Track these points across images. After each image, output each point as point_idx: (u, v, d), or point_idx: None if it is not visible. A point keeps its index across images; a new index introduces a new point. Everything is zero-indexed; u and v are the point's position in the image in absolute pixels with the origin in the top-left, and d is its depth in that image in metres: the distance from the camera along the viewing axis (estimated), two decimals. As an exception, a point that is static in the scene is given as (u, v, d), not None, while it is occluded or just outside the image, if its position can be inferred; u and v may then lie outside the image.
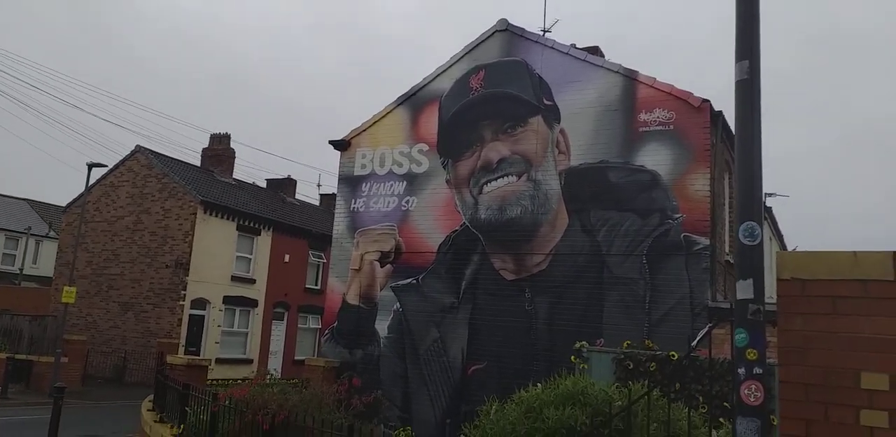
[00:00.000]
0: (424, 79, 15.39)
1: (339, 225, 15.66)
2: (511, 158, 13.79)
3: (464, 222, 14.05)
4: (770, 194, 20.93)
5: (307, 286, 28.01)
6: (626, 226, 12.58)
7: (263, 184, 32.73)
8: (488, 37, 14.94)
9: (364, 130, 15.92)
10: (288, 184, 33.15)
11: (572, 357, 9.44)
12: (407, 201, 14.90)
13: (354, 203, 15.56)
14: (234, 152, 30.23)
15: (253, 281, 25.29)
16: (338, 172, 16.11)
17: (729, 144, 14.38)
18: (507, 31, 14.78)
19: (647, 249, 12.32)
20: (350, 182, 15.77)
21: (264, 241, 26.17)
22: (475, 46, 14.99)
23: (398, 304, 14.33)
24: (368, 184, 15.48)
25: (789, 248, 28.84)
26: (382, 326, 14.40)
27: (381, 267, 14.76)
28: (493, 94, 14.31)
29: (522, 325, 12.95)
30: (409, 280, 14.34)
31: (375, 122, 15.81)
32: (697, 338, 4.59)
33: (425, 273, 14.20)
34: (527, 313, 12.98)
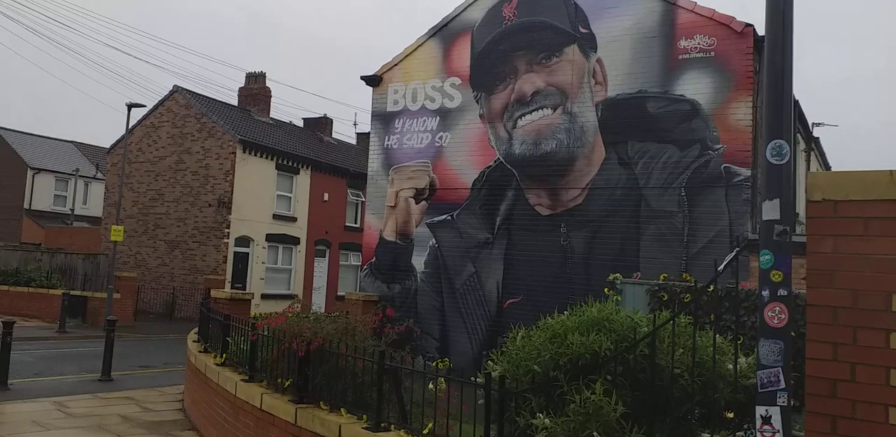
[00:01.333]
0: (456, 9, 14.90)
1: (374, 162, 15.62)
2: (546, 91, 13.41)
3: (498, 158, 13.86)
4: (818, 124, 20.10)
5: (347, 224, 28.34)
6: (664, 158, 12.25)
7: (300, 123, 32.73)
8: (522, -37, 14.27)
9: (395, 65, 15.61)
10: (325, 123, 33.10)
11: (605, 289, 9.40)
12: (440, 137, 14.73)
13: (388, 140, 15.45)
14: (271, 91, 30.17)
15: (294, 219, 25.68)
16: (370, 108, 15.93)
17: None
18: (541, -43, 14.08)
19: (686, 181, 12.02)
20: (383, 119, 15.61)
21: (303, 180, 26.38)
22: (508, -27, 14.36)
23: (434, 240, 14.40)
24: (401, 120, 15.31)
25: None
26: (419, 261, 14.53)
27: (417, 204, 14.77)
28: (526, 23, 13.80)
29: (558, 260, 12.92)
30: (443, 216, 14.35)
31: (407, 56, 15.47)
32: (724, 263, 4.46)
33: (460, 209, 14.17)
34: (562, 247, 12.92)
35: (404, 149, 15.16)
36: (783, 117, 2.98)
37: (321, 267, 26.87)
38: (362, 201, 29.04)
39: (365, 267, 15.35)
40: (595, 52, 13.17)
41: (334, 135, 33.57)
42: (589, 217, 12.79)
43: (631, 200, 12.46)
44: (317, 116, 33.34)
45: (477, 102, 14.30)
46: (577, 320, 4.58)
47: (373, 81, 15.82)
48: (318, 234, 26.54)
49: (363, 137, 35.49)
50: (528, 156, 13.46)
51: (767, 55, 3.05)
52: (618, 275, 9.33)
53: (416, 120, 15.09)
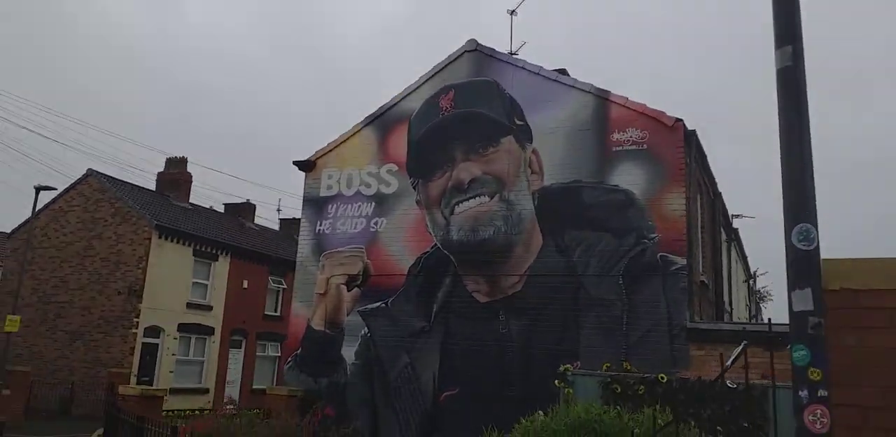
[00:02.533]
0: (393, 99, 15.08)
1: (304, 248, 15.07)
2: (483, 179, 13.49)
3: (435, 244, 13.64)
4: (736, 216, 21.08)
5: (266, 313, 27.09)
6: (601, 246, 12.34)
7: (222, 208, 31.84)
8: (458, 57, 14.75)
9: (330, 151, 15.48)
10: (247, 208, 32.34)
11: (556, 382, 9.03)
12: (376, 223, 14.44)
13: (320, 225, 15.02)
14: (191, 176, 29.37)
15: (210, 308, 24.33)
16: (302, 193, 15.57)
17: (701, 164, 14.38)
18: (476, 52, 14.61)
19: (624, 269, 12.08)
20: (315, 204, 15.24)
21: (222, 266, 25.28)
22: (444, 67, 14.78)
23: (366, 329, 13.76)
24: (335, 205, 14.99)
25: (751, 271, 29.14)
26: (349, 352, 13.78)
27: (349, 291, 14.19)
28: (463, 114, 14.05)
29: (496, 349, 12.52)
30: (377, 304, 13.81)
31: (342, 142, 15.39)
32: (732, 357, 4.24)
33: (395, 296, 13.69)
34: (501, 336, 12.56)
35: (337, 234, 14.74)
36: (807, 199, 2.84)
37: (236, 359, 25.29)
38: (283, 289, 28.06)
39: (289, 359, 14.43)
40: (531, 142, 13.46)
41: (258, 220, 32.78)
42: (528, 304, 12.57)
43: (570, 288, 12.37)
44: (239, 201, 32.59)
45: (414, 188, 14.21)
46: (561, 422, 4.18)
47: (306, 165, 15.58)
48: (234, 323, 25.17)
49: (287, 223, 34.85)
50: (465, 242, 13.30)
51: (783, 136, 2.97)
52: (568, 366, 9.03)
53: (350, 205, 14.81)
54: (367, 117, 15.24)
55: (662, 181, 12.36)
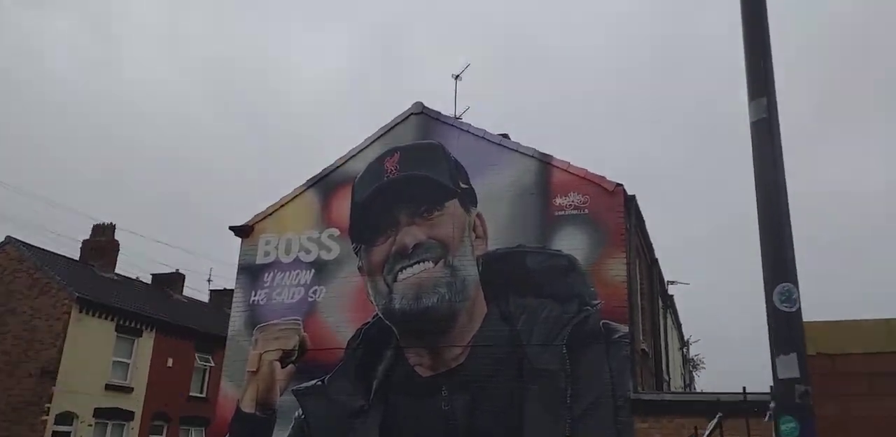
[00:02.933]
0: (337, 160, 15.19)
1: (237, 321, 14.59)
2: (427, 243, 13.44)
3: (376, 313, 13.40)
4: (672, 282, 21.35)
5: (191, 394, 25.86)
6: (545, 313, 12.34)
7: (149, 279, 30.71)
8: (403, 120, 15.05)
9: (269, 215, 15.35)
10: (176, 279, 31.37)
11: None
12: (315, 291, 14.12)
13: (255, 295, 14.61)
14: (118, 244, 28.45)
15: (130, 390, 23.06)
16: (237, 261, 15.12)
17: (640, 229, 14.60)
18: (422, 115, 14.95)
19: (567, 337, 12.03)
20: (251, 272, 14.87)
21: (146, 343, 24.17)
22: (390, 129, 15.04)
23: (300, 410, 13.22)
24: (272, 273, 14.64)
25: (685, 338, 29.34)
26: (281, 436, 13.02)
27: (283, 368, 13.71)
28: (408, 177, 14.14)
29: (439, 427, 12.22)
30: (313, 382, 13.33)
31: (282, 206, 15.32)
32: (708, 430, 4.04)
33: (332, 373, 13.29)
34: (444, 413, 12.18)
35: (272, 305, 14.34)
36: (786, 259, 2.76)
37: (158, 447, 23.72)
38: (211, 367, 26.88)
39: (216, 444, 13.56)
40: (475, 206, 13.55)
41: (187, 291, 31.73)
42: (471, 378, 12.43)
43: (514, 359, 12.29)
44: (168, 271, 31.54)
45: (356, 254, 14.05)
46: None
47: (242, 231, 15.32)
48: (156, 406, 23.85)
49: (217, 295, 33.87)
50: (408, 311, 13.09)
51: (760, 192, 2.95)
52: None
53: (288, 273, 14.49)
54: (309, 179, 15.20)
55: (604, 246, 12.56)
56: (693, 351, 31.31)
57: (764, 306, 2.77)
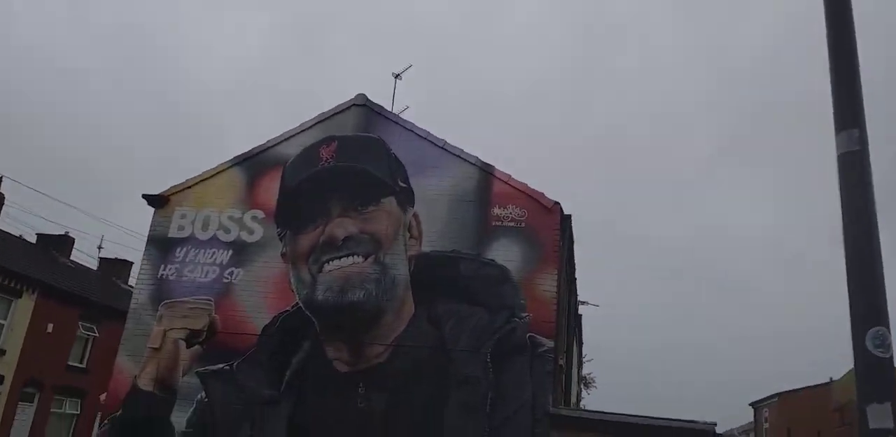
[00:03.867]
0: (268, 141, 14.26)
1: (141, 294, 13.44)
2: (359, 237, 12.88)
3: (297, 303, 12.69)
4: (583, 302, 21.81)
5: (70, 363, 23.90)
6: (474, 321, 12.07)
7: (34, 239, 28.31)
8: (344, 109, 14.34)
9: (188, 188, 14.20)
10: (64, 242, 28.97)
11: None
12: (231, 273, 13.25)
13: (164, 269, 13.51)
14: (3, 198, 26.00)
15: (2, 352, 21.03)
16: (148, 231, 14.05)
17: (569, 248, 14.72)
18: (364, 107, 14.30)
19: (493, 346, 11.83)
20: (162, 244, 13.76)
21: (25, 305, 22.15)
22: (329, 117, 14.29)
23: (203, 393, 12.31)
24: (185, 249, 13.62)
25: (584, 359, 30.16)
26: (180, 418, 12.21)
27: (188, 348, 12.72)
28: (344, 167, 13.51)
29: (354, 424, 11.63)
30: (220, 366, 12.45)
31: (203, 180, 14.19)
32: None
33: (242, 359, 12.44)
34: (359, 411, 11.70)
35: (183, 282, 13.33)
36: (880, 297, 2.61)
37: (25, 415, 21.86)
38: (95, 337, 25.09)
39: (105, 422, 12.54)
40: (412, 206, 13.15)
41: (75, 256, 29.43)
42: (392, 377, 11.90)
43: (438, 363, 11.90)
44: (55, 233, 29.14)
45: (280, 239, 13.29)
46: None
47: (157, 200, 14.14)
48: (29, 372, 21.90)
49: (108, 263, 31.65)
50: (331, 304, 12.48)
51: (847, 225, 2.74)
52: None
53: (203, 251, 13.52)
54: (235, 157, 14.25)
55: (537, 261, 12.46)
56: (586, 370, 32.06)
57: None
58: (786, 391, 27.93)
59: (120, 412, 12.47)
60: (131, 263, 32.50)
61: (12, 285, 21.69)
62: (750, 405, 32.24)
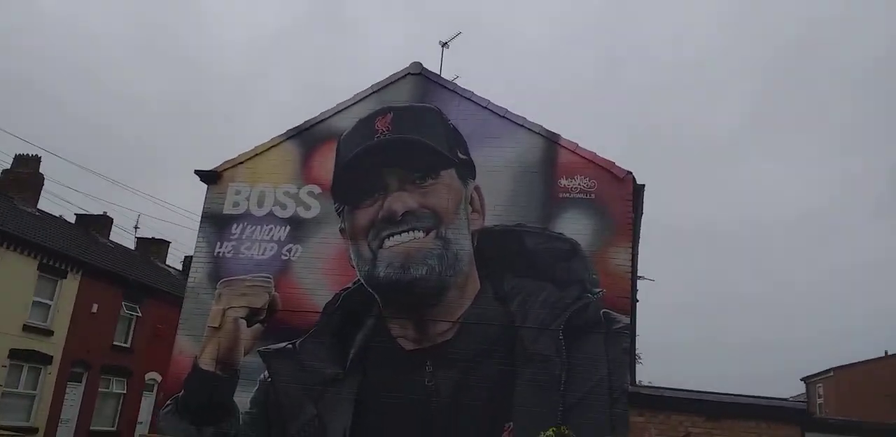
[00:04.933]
0: (322, 114, 13.72)
1: (198, 272, 13.07)
2: (419, 212, 12.36)
3: (358, 279, 12.23)
4: (640, 277, 21.07)
5: (115, 343, 23.80)
6: (542, 296, 11.53)
7: (72, 219, 28.16)
8: (399, 79, 13.74)
9: (241, 163, 13.75)
10: (102, 222, 28.81)
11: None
12: (289, 250, 12.81)
13: (220, 247, 13.12)
14: (44, 179, 25.83)
15: (50, 333, 20.91)
16: (202, 207, 13.64)
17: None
18: (420, 76, 13.69)
19: (565, 323, 11.30)
20: (217, 221, 13.36)
21: (70, 285, 21.97)
22: (384, 87, 13.70)
23: (267, 372, 11.96)
24: (241, 225, 13.20)
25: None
26: (244, 398, 11.89)
27: (249, 327, 12.36)
28: (402, 139, 12.94)
29: (420, 403, 11.22)
30: (283, 344, 12.08)
31: (257, 154, 13.73)
32: None
33: (305, 337, 12.05)
34: (427, 389, 11.27)
35: (241, 259, 12.93)
36: None
37: (74, 394, 21.82)
38: (138, 317, 24.98)
39: (168, 403, 12.24)
40: (473, 179, 12.58)
41: (112, 239, 29.23)
42: (459, 355, 11.45)
43: (506, 340, 11.41)
44: (94, 213, 28.98)
45: (339, 214, 12.80)
46: None
47: (210, 177, 13.71)
48: (77, 353, 21.81)
49: (144, 243, 31.51)
50: (394, 280, 12.01)
51: None
52: (550, 433, 7.87)
53: (260, 227, 13.09)
54: (289, 130, 13.74)
55: (609, 234, 11.86)
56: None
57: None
58: (841, 366, 27.22)
59: (182, 392, 12.16)
60: (168, 242, 32.55)
61: (57, 265, 21.49)
62: (802, 379, 31.59)
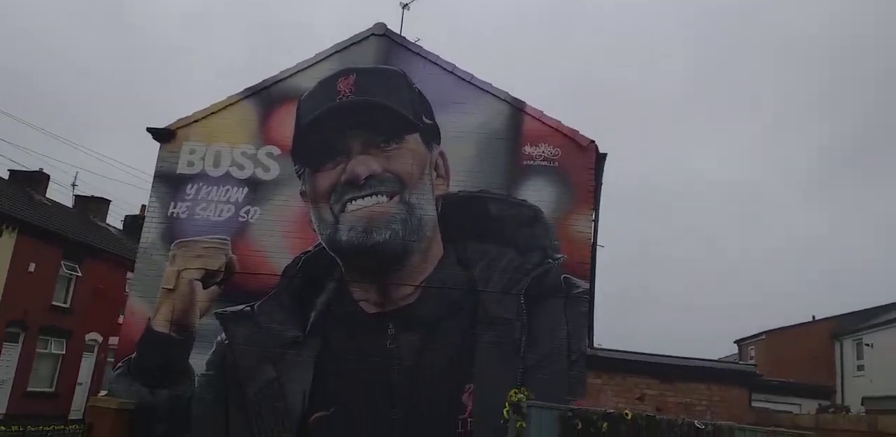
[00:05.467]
0: (281, 72, 13.29)
1: (151, 232, 12.64)
2: (382, 176, 12.19)
3: (319, 243, 12.05)
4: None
5: (54, 303, 22.96)
6: (504, 262, 11.62)
7: (6, 175, 26.74)
8: (363, 39, 13.39)
9: (196, 122, 13.25)
10: (39, 179, 27.43)
11: (504, 412, 8.01)
12: (247, 212, 12.49)
13: (174, 207, 12.70)
14: (-26, 133, 24.36)
15: (-16, 293, 20.01)
16: (155, 166, 13.11)
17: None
18: (384, 37, 13.36)
19: (526, 288, 11.45)
20: (170, 181, 12.89)
21: (6, 244, 20.95)
22: (346, 48, 13.33)
23: (223, 335, 11.77)
24: (196, 186, 12.78)
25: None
26: (199, 361, 11.68)
27: (205, 288, 12.09)
28: (365, 102, 12.67)
29: (382, 366, 11.25)
30: (241, 307, 11.88)
31: (212, 113, 13.25)
32: None
33: (264, 300, 11.87)
34: (388, 352, 11.30)
35: (196, 220, 12.54)
36: None
37: (10, 355, 21.01)
38: (77, 276, 24.13)
39: (120, 364, 11.93)
40: (438, 144, 12.47)
41: (48, 196, 27.93)
42: (422, 319, 11.51)
43: (468, 304, 11.51)
44: (29, 169, 27.57)
45: (299, 176, 12.52)
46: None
47: (163, 135, 13.17)
48: (13, 313, 20.93)
49: (82, 201, 30.24)
50: (356, 244, 11.88)
51: None
52: (521, 395, 8.01)
53: (216, 188, 12.70)
54: (246, 89, 13.29)
55: (571, 202, 12.00)
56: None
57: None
58: (772, 330, 28.57)
59: (135, 354, 11.84)
60: (109, 200, 31.33)
61: (-9, 223, 20.43)
62: (735, 342, 33.04)
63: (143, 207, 33.49)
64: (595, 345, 13.31)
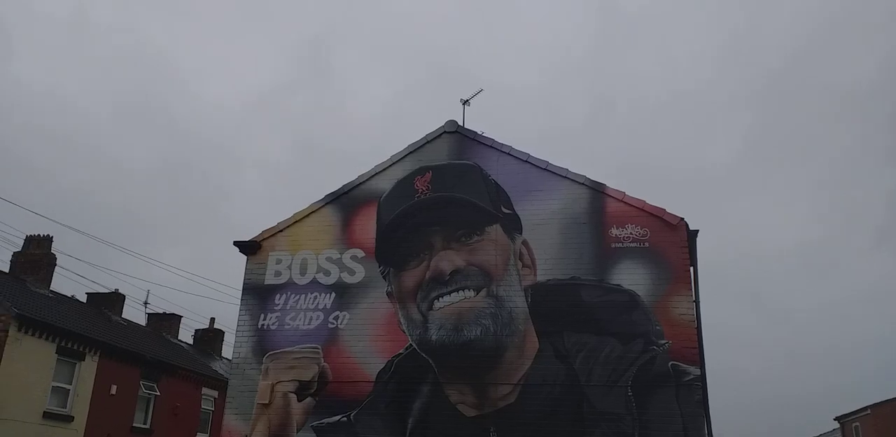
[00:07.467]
0: (359, 177, 14.34)
1: (242, 347, 13.40)
2: (467, 270, 12.77)
3: (410, 344, 12.55)
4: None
5: (135, 425, 23.84)
6: (606, 352, 11.80)
7: (83, 298, 28.59)
8: (435, 138, 14.42)
9: (280, 232, 14.29)
10: (115, 300, 29.25)
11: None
12: (336, 317, 13.17)
13: (264, 319, 13.50)
14: (56, 259, 26.38)
15: (70, 419, 21.03)
16: (243, 279, 14.07)
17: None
18: (456, 133, 14.37)
19: (633, 379, 11.53)
20: (259, 293, 13.78)
21: (88, 367, 22.21)
22: (420, 147, 14.37)
23: (322, 447, 12.11)
24: (284, 295, 13.61)
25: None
26: (300, 476, 12.01)
27: (299, 401, 12.60)
28: (443, 198, 13.51)
29: (489, 472, 11.31)
30: (337, 418, 12.30)
31: (296, 222, 14.28)
32: None
33: (359, 409, 12.28)
34: (494, 456, 11.40)
35: (286, 331, 13.28)
36: None
37: (96, 485, 21.72)
38: (156, 396, 25.08)
39: (221, 485, 12.35)
40: (520, 233, 13.05)
41: (124, 315, 29.60)
42: (524, 419, 11.65)
43: (572, 400, 11.62)
44: (105, 291, 29.45)
45: (384, 277, 13.22)
46: None
47: (249, 247, 14.22)
48: (97, 439, 21.83)
49: (155, 318, 31.86)
50: (447, 343, 12.32)
51: None
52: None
53: (304, 296, 13.50)
54: (327, 195, 14.33)
55: (668, 282, 12.22)
56: None
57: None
58: (877, 403, 26.82)
59: (235, 473, 12.28)
60: (180, 316, 32.93)
61: (76, 347, 21.80)
62: (836, 419, 31.05)
63: (212, 320, 35.20)
64: (714, 435, 13.03)
